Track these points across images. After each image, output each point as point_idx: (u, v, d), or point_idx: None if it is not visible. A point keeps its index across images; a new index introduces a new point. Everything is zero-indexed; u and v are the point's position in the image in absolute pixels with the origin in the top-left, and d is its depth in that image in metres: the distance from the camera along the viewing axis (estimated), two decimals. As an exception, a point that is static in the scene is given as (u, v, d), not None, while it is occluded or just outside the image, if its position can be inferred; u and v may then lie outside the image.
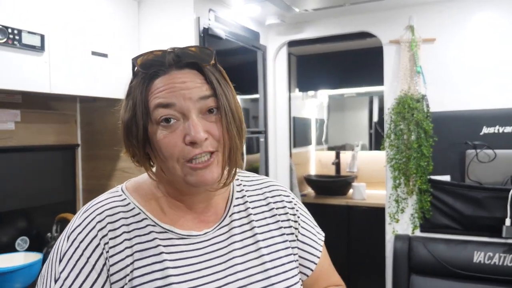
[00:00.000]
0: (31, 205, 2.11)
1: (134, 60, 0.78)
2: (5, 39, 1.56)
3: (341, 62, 4.07)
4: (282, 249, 0.88)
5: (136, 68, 0.79)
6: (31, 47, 1.66)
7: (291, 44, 3.13)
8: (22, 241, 2.05)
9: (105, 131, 2.39)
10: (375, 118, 4.21)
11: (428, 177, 2.55)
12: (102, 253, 0.74)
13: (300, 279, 0.89)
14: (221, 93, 0.77)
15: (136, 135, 0.76)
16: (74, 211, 2.34)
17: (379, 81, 2.84)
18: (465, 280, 2.45)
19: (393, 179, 2.65)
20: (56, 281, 0.72)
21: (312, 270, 0.94)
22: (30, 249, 2.04)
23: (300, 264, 0.92)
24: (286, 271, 0.85)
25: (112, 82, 2.07)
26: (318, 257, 0.95)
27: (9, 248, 1.98)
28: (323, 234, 0.99)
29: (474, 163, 2.47)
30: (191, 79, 0.77)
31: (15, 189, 2.04)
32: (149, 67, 0.77)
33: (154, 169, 0.86)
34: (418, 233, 2.65)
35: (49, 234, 2.03)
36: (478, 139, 2.48)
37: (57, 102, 2.30)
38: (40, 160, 2.18)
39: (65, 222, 1.98)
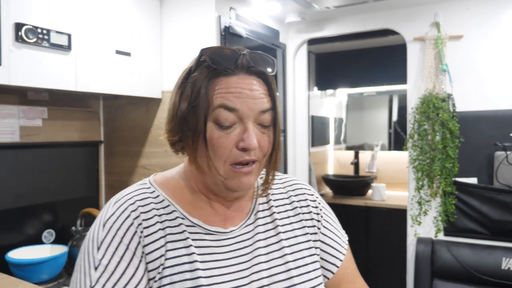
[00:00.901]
0: (56, 199, 2.16)
1: (204, 51, 0.78)
2: (35, 39, 1.59)
3: (361, 60, 4.03)
4: (305, 249, 0.87)
5: (203, 58, 0.78)
6: (59, 46, 1.69)
7: (311, 42, 3.11)
8: (48, 234, 2.09)
9: (126, 128, 2.42)
10: (395, 117, 4.16)
11: (453, 179, 2.49)
12: (139, 241, 0.75)
13: (323, 281, 0.88)
14: (277, 107, 0.81)
15: (195, 127, 0.76)
16: (97, 206, 2.38)
17: (400, 79, 2.80)
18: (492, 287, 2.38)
19: (416, 181, 2.60)
20: (96, 268, 0.72)
21: (333, 272, 0.92)
22: (55, 242, 2.08)
23: (322, 266, 0.91)
24: (309, 272, 0.85)
25: (135, 81, 2.10)
26: (341, 260, 0.93)
27: (36, 240, 2.03)
28: (347, 237, 0.98)
29: (503, 166, 2.39)
30: (258, 87, 0.78)
31: (42, 183, 2.09)
32: (219, 63, 0.77)
33: (185, 162, 0.88)
34: (441, 236, 2.59)
35: (73, 228, 2.06)
36: (508, 140, 2.40)
37: (81, 100, 2.33)
38: (65, 156, 2.22)
39: (89, 216, 2.02)
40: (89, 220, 2.05)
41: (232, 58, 0.78)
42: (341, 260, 0.93)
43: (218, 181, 0.79)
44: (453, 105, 2.49)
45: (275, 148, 0.82)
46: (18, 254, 1.81)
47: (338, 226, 0.98)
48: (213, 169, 0.77)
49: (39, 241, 2.04)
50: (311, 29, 3.00)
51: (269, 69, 0.81)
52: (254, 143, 0.76)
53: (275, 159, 0.83)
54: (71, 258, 1.94)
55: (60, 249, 1.91)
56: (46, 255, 1.82)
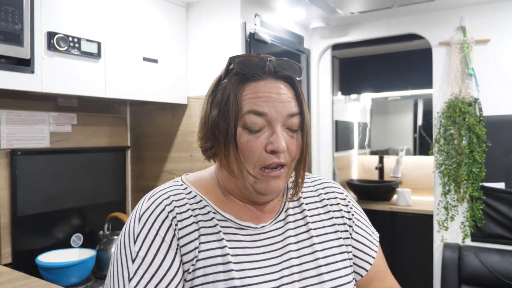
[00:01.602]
0: (85, 203, 2.20)
1: (232, 59, 0.81)
2: (66, 47, 1.65)
3: (385, 65, 4.01)
4: (336, 246, 0.88)
5: (231, 66, 0.81)
6: (89, 54, 1.75)
7: (335, 47, 3.11)
8: (76, 238, 2.14)
9: (153, 133, 2.46)
10: (420, 121, 4.11)
11: (481, 184, 2.45)
12: (174, 234, 0.77)
13: (353, 278, 0.89)
14: (305, 112, 0.82)
15: (226, 132, 0.78)
16: (124, 211, 2.42)
17: (425, 83, 2.77)
18: (522, 294, 2.32)
19: (442, 186, 2.57)
20: (134, 260, 0.74)
21: (366, 270, 0.93)
22: (83, 245, 2.12)
23: (354, 264, 0.92)
24: (339, 269, 0.85)
25: (161, 87, 2.14)
26: (373, 257, 0.94)
27: (65, 244, 2.08)
28: (378, 235, 0.99)
29: (531, 170, 2.34)
30: (285, 91, 0.80)
31: (71, 188, 2.14)
32: (248, 69, 0.79)
33: (215, 165, 0.90)
34: (468, 242, 2.54)
35: (101, 232, 2.10)
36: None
37: (109, 106, 2.39)
38: (93, 161, 2.26)
39: (117, 221, 2.05)
40: (117, 224, 2.08)
41: (259, 64, 0.80)
42: (373, 258, 0.94)
43: (248, 184, 0.81)
44: (480, 110, 2.44)
45: (304, 152, 0.83)
46: (48, 258, 1.86)
47: (369, 224, 0.98)
48: (244, 172, 0.79)
49: (67, 245, 2.08)
50: (335, 34, 3.00)
51: (295, 74, 0.82)
52: (282, 145, 0.77)
53: (304, 162, 0.84)
54: (99, 262, 1.98)
55: (88, 253, 1.95)
56: (75, 259, 1.86)
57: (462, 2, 2.51)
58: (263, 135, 0.78)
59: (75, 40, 1.69)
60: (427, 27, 2.68)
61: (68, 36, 1.66)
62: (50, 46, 1.60)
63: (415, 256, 3.27)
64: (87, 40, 1.74)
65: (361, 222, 0.96)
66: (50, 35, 1.60)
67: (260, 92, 0.78)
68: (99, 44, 1.79)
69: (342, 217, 0.93)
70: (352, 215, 0.95)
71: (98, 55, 1.78)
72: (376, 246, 0.96)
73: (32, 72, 1.56)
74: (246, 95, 0.78)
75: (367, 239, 0.95)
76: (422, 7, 2.58)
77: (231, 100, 0.78)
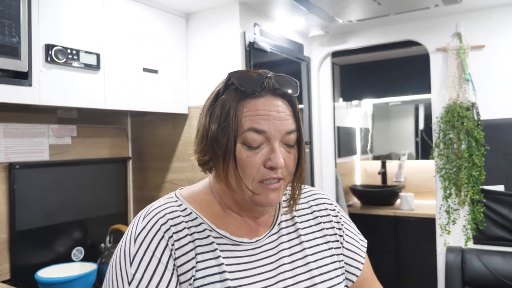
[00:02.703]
0: (86, 216, 2.18)
1: (232, 75, 0.82)
2: (64, 59, 1.65)
3: (385, 71, 4.02)
4: (328, 257, 0.91)
5: (230, 81, 0.82)
6: (88, 66, 1.76)
7: (335, 54, 3.13)
8: (77, 252, 2.11)
9: (154, 144, 2.47)
10: (421, 125, 4.11)
11: (481, 187, 2.46)
12: (171, 254, 0.77)
13: (346, 286, 0.92)
14: (301, 128, 0.85)
15: (225, 147, 0.79)
16: (126, 223, 2.41)
17: (425, 89, 2.78)
18: (524, 295, 2.32)
19: (443, 189, 2.58)
20: (130, 283, 0.74)
21: (357, 276, 0.96)
22: (85, 259, 2.10)
23: (346, 271, 0.95)
24: (332, 278, 0.88)
25: (162, 97, 2.15)
26: (363, 264, 0.98)
27: (65, 258, 2.05)
28: (366, 241, 1.02)
29: (530, 172, 2.35)
30: (283, 109, 0.82)
31: (71, 201, 2.12)
32: (247, 86, 0.81)
33: (209, 177, 0.91)
34: (471, 245, 2.55)
35: (102, 245, 2.07)
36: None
37: (110, 117, 2.39)
38: (94, 173, 2.25)
39: (118, 233, 2.04)
40: (118, 236, 2.04)
41: (258, 80, 0.81)
42: (362, 264, 0.98)
43: (247, 197, 0.82)
44: (478, 114, 2.46)
45: (300, 166, 0.85)
46: (48, 273, 1.82)
47: (357, 232, 1.02)
48: (243, 186, 0.80)
49: (68, 259, 2.05)
50: (335, 42, 3.02)
51: (293, 91, 0.85)
52: (281, 162, 0.79)
53: (300, 176, 0.87)
54: (101, 275, 1.94)
55: (90, 267, 1.92)
56: (76, 273, 1.81)
57: (458, 9, 2.53)
58: (262, 151, 0.80)
59: (74, 52, 1.69)
60: (424, 34, 2.70)
61: (66, 48, 1.66)
62: (48, 59, 1.60)
63: (420, 260, 3.27)
64: (86, 52, 1.74)
65: (350, 231, 0.99)
66: (48, 47, 1.60)
67: (260, 110, 0.79)
68: (98, 55, 1.79)
69: (333, 227, 0.96)
70: (342, 225, 0.98)
71: (97, 66, 1.78)
72: (364, 253, 1.00)
73: (30, 85, 1.55)
74: (246, 112, 0.79)
75: (356, 247, 0.98)
76: (419, 14, 2.60)
77: (231, 116, 0.79)
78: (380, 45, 2.93)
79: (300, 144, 0.85)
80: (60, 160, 2.08)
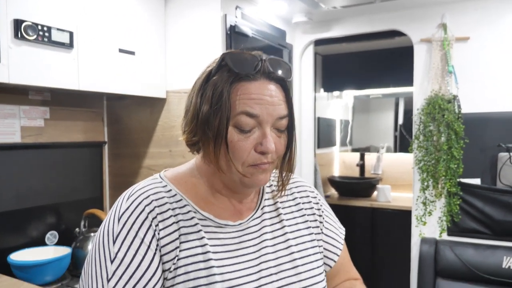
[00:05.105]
0: (60, 200, 2.14)
1: (226, 55, 0.81)
2: (35, 36, 1.57)
3: (367, 62, 4.02)
4: (308, 241, 0.94)
5: (224, 61, 0.80)
6: (60, 44, 1.68)
7: (317, 43, 3.10)
8: (51, 236, 2.07)
9: (131, 129, 2.41)
10: (401, 120, 4.14)
11: (458, 180, 2.49)
12: (154, 235, 0.78)
13: (324, 270, 0.96)
14: (293, 114, 0.85)
15: (217, 129, 0.79)
16: (101, 208, 2.37)
17: (407, 81, 2.78)
18: (493, 286, 2.40)
19: (421, 181, 2.60)
20: (112, 261, 0.75)
21: (335, 261, 1.00)
22: (59, 243, 2.07)
23: (324, 256, 0.99)
24: (312, 262, 0.91)
25: (139, 80, 2.08)
26: (341, 249, 1.02)
27: (39, 242, 2.02)
28: (344, 229, 1.07)
29: (506, 167, 2.39)
30: (276, 94, 0.82)
31: (44, 185, 2.07)
32: (241, 68, 0.79)
33: (195, 159, 0.91)
34: (445, 236, 2.59)
35: (77, 229, 2.05)
36: (512, 141, 2.39)
37: (85, 100, 2.32)
38: (68, 157, 2.20)
39: (93, 218, 2.01)
40: (93, 221, 2.04)
41: (252, 63, 0.81)
42: (340, 250, 1.01)
43: (236, 178, 0.83)
44: (459, 107, 2.48)
45: (290, 150, 0.87)
46: (21, 256, 1.81)
47: (336, 220, 1.06)
48: (233, 169, 0.81)
49: (42, 243, 2.03)
50: (318, 30, 2.98)
51: (286, 75, 0.84)
52: (272, 147, 0.80)
53: (290, 161, 0.88)
54: (75, 260, 1.93)
55: (64, 251, 1.91)
56: (49, 257, 1.80)
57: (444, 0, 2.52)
58: (253, 135, 0.80)
59: (45, 28, 1.61)
60: (409, 24, 2.69)
61: (37, 25, 1.58)
62: (18, 35, 1.52)
63: (394, 250, 3.33)
64: (58, 29, 1.66)
65: (330, 218, 1.03)
66: (17, 22, 1.52)
67: (253, 94, 0.79)
68: (71, 33, 1.71)
69: (314, 214, 0.99)
70: (322, 211, 1.01)
71: (70, 45, 1.71)
72: (343, 240, 1.04)
73: (-2, 61, 1.48)
74: (239, 95, 0.79)
75: (335, 233, 1.02)
76: (404, 3, 2.59)
77: (224, 98, 0.78)
78: (364, 35, 2.91)
79: (291, 130, 0.85)
80: (32, 143, 2.02)
